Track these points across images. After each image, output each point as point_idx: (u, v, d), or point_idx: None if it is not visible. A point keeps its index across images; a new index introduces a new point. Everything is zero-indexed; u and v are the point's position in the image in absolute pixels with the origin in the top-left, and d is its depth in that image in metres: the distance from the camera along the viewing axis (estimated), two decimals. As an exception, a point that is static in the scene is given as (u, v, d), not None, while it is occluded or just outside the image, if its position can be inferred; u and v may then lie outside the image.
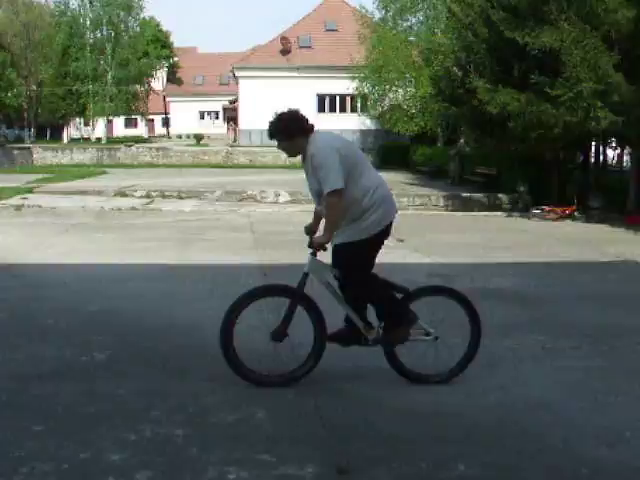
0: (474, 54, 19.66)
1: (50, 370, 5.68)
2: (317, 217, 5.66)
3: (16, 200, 19.14)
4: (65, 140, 59.76)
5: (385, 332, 5.46)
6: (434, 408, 5.10)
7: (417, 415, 4.96)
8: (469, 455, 4.31)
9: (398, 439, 4.50)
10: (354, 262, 5.34)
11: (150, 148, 44.32)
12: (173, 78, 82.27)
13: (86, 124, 64.06)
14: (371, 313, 5.54)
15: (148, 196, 20.50)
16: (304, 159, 5.40)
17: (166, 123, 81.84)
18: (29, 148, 44.37)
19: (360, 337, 5.47)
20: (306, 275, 5.36)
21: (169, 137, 75.32)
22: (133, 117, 70.95)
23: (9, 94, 54.39)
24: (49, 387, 5.32)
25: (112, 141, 54.85)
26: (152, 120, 79.30)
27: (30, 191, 21.89)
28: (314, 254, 5.38)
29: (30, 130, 58.14)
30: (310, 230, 5.63)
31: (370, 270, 5.44)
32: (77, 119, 65.22)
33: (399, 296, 5.50)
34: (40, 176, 28.57)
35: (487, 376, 5.77)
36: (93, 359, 6.01)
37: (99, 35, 56.11)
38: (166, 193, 20.87)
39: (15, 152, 41.50)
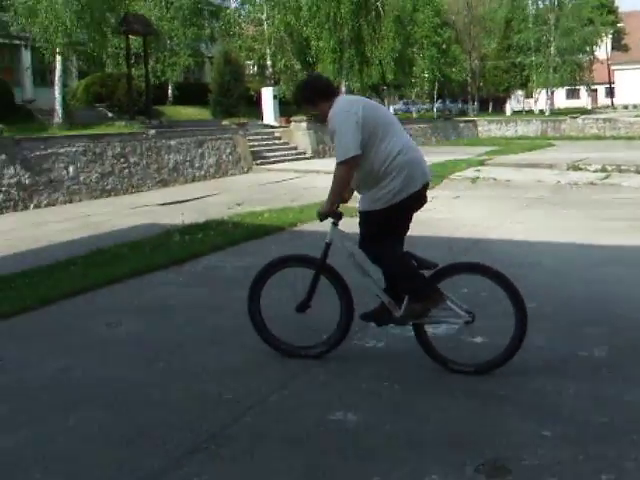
0: None
1: (543, 363, 5.16)
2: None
3: (470, 172, 19.38)
4: (507, 112, 59.97)
5: (405, 307, 5.07)
6: None
7: None
8: None
9: None
10: (369, 231, 5.05)
11: (596, 119, 42.43)
12: (618, 45, 78.28)
13: (527, 96, 63.71)
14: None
15: (604, 170, 19.30)
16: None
17: (610, 93, 78.24)
18: (474, 121, 45.44)
19: (387, 314, 5.13)
20: (328, 245, 5.19)
21: (614, 108, 71.74)
22: (575, 88, 68.79)
23: (454, 69, 55.96)
24: (551, 384, 4.80)
25: (554, 113, 53.65)
26: (595, 90, 76.27)
27: (481, 163, 22.08)
28: (335, 224, 5.17)
29: (473, 103, 59.46)
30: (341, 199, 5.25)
31: (391, 240, 5.05)
32: (518, 91, 65.09)
33: (427, 273, 5.01)
34: (487, 148, 28.90)
35: None
36: (592, 355, 5.34)
37: (541, 5, 55.17)
38: (622, 167, 19.46)
39: (461, 125, 42.77)
